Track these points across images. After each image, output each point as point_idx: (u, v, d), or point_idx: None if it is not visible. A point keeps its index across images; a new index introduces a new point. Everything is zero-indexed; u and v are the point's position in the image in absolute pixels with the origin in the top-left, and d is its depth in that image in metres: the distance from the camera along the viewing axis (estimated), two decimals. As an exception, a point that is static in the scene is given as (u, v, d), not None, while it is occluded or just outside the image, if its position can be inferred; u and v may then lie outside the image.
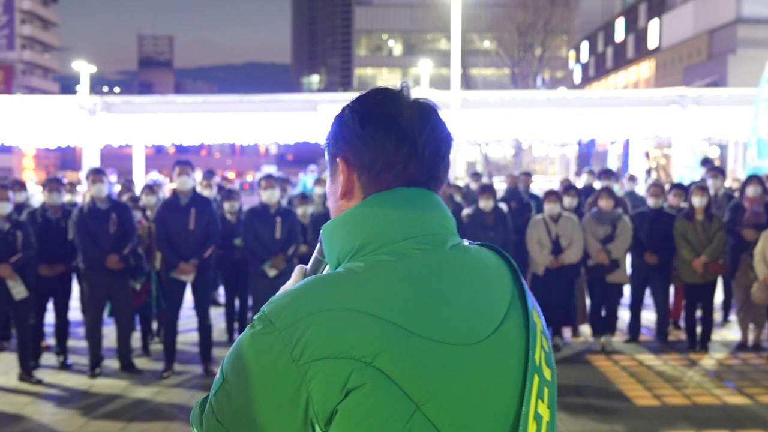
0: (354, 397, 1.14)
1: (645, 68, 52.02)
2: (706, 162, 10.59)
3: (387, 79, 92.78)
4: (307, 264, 1.47)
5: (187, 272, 7.05)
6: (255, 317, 1.21)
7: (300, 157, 64.84)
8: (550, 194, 8.12)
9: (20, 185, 8.70)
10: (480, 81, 47.53)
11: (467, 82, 41.10)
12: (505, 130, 20.26)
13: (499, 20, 42.96)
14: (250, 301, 8.41)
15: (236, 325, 8.76)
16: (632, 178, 10.88)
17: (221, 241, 7.81)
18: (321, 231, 1.36)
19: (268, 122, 18.59)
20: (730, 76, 36.86)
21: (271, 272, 7.14)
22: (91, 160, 18.67)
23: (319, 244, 1.44)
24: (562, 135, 23.63)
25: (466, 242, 1.35)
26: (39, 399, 6.67)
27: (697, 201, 7.95)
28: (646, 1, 53.31)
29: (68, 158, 62.28)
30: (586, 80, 65.14)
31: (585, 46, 66.16)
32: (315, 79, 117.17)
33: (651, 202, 8.34)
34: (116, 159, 32.39)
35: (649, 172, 25.26)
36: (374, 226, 1.27)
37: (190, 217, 7.07)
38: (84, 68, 30.63)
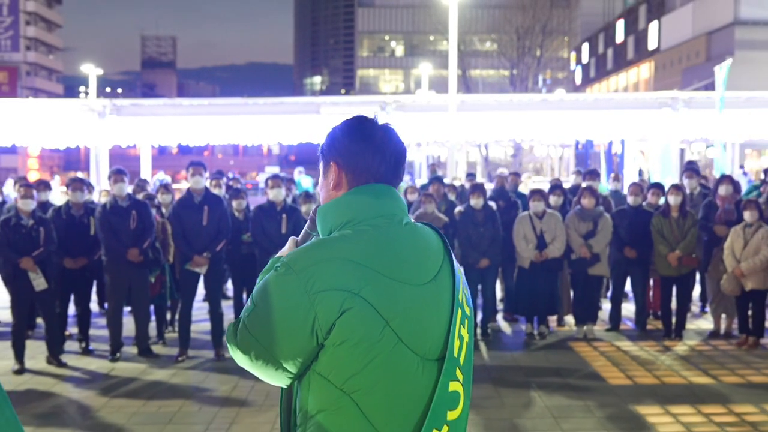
0: (347, 315, 1.79)
1: (645, 69, 52.55)
2: (689, 164, 11.19)
3: (389, 80, 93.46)
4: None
5: (200, 264, 7.70)
6: (278, 264, 1.86)
7: (302, 157, 65.25)
8: (535, 193, 8.76)
9: (45, 185, 9.36)
10: (480, 82, 48.07)
11: (467, 84, 41.71)
12: (503, 132, 20.86)
13: (498, 23, 43.57)
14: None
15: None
16: (617, 178, 11.50)
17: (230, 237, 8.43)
18: (317, 211, 2.02)
19: (272, 124, 19.19)
20: (728, 77, 37.16)
21: (278, 265, 7.76)
22: (100, 160, 19.34)
23: (309, 221, 2.11)
24: (558, 136, 24.24)
25: (412, 218, 2.03)
26: (65, 380, 7.30)
27: (673, 199, 8.58)
28: (645, 2, 53.85)
29: (72, 159, 62.77)
30: (587, 81, 65.70)
31: (586, 47, 66.73)
32: (317, 80, 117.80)
33: (631, 200, 8.97)
34: (121, 159, 33.01)
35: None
36: (357, 208, 1.93)
37: (203, 213, 7.71)
38: (92, 71, 31.29)
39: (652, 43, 51.07)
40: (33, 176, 47.82)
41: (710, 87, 37.43)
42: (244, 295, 9.35)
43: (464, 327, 1.96)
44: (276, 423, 5.92)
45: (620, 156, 25.47)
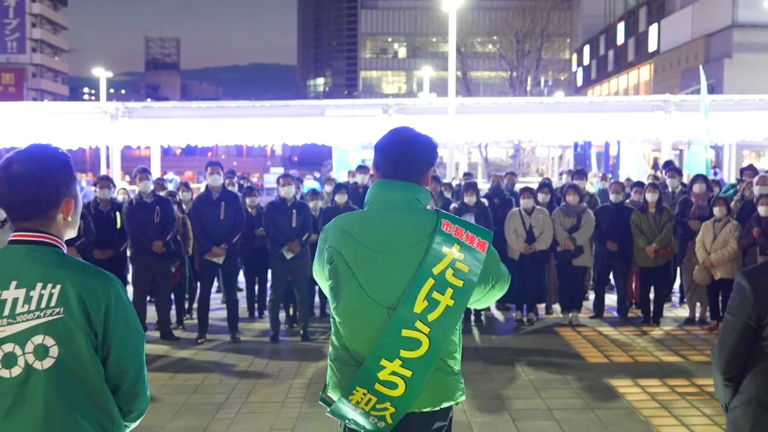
0: (332, 265, 2.71)
1: (645, 71, 53.18)
2: (667, 164, 11.95)
3: (391, 81, 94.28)
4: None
5: (218, 255, 8.47)
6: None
7: (304, 158, 65.97)
8: (525, 191, 9.53)
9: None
10: (481, 84, 48.81)
11: (468, 86, 42.46)
12: (501, 134, 21.59)
13: (498, 25, 44.32)
14: (268, 283, 9.79)
15: (256, 305, 10.13)
16: (605, 178, 12.26)
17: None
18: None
19: (278, 126, 19.96)
20: (726, 79, 37.87)
21: (288, 255, 8.53)
22: (112, 161, 20.15)
23: None
24: (555, 138, 24.95)
25: (430, 207, 2.81)
26: (96, 359, 8.04)
27: (650, 196, 9.34)
28: (646, 5, 54.50)
29: (77, 160, 63.34)
30: (588, 83, 66.35)
31: (587, 49, 67.41)
32: (320, 81, 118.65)
33: (613, 197, 9.73)
34: (128, 160, 33.72)
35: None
36: (370, 195, 2.80)
37: (220, 209, 8.49)
38: (102, 74, 32.11)
39: (652, 45, 51.75)
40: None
41: (708, 89, 38.14)
42: (256, 287, 10.11)
43: (443, 294, 2.57)
44: (289, 392, 6.69)
45: (617, 157, 26.20)
